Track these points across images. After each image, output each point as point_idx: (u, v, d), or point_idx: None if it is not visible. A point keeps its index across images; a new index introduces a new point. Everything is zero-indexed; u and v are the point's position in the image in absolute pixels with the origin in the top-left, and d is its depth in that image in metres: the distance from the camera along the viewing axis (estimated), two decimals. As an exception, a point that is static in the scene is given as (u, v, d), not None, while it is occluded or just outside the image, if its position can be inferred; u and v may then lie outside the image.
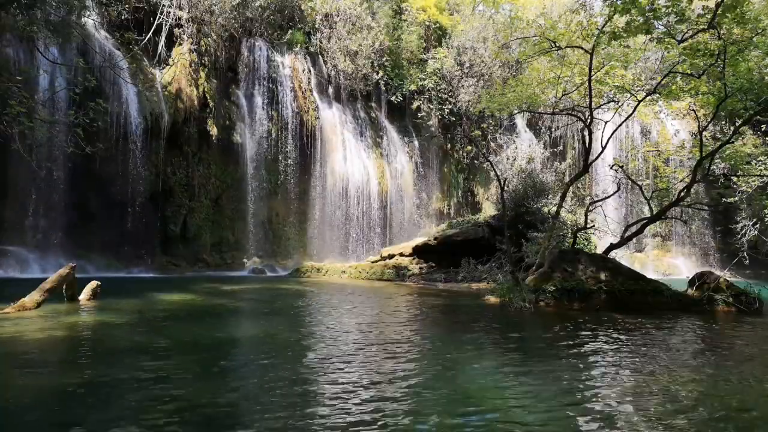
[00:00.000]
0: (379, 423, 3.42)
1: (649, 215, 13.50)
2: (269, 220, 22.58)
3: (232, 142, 21.49)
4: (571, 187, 15.66)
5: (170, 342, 6.03)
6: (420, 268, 17.55)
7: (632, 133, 27.09)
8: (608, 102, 13.86)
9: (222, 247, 21.33)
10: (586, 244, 17.19)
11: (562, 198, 13.39)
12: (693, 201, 15.75)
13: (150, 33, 19.72)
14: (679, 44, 10.55)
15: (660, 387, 4.43)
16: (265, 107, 22.35)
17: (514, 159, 22.83)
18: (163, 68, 20.15)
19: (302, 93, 23.24)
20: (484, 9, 28.37)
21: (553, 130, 28.38)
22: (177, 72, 20.08)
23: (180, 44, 20.47)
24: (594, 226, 14.50)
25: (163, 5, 19.82)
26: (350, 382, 4.42)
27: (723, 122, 20.10)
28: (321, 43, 24.52)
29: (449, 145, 28.01)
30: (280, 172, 22.52)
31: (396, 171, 25.82)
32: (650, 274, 14.81)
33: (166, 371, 4.64)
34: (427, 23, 27.67)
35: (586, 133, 13.14)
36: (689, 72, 11.22)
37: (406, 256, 18.56)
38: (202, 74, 20.90)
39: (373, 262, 18.91)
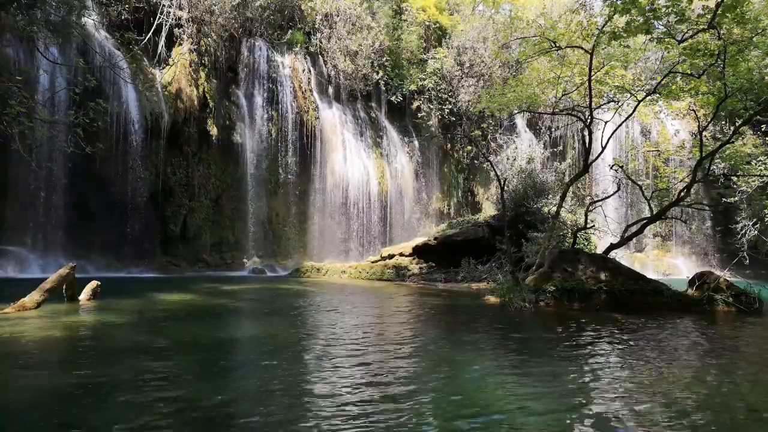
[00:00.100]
0: (380, 423, 3.42)
1: (649, 215, 13.49)
2: (269, 220, 22.58)
3: (232, 142, 21.49)
4: (571, 187, 15.66)
5: (170, 342, 6.03)
6: (420, 268, 17.55)
7: (632, 133, 27.08)
8: (608, 102, 13.86)
9: (222, 247, 21.33)
10: (586, 244, 17.19)
11: (562, 198, 13.39)
12: (693, 201, 15.75)
13: (150, 33, 19.72)
14: (679, 44, 10.55)
15: (662, 388, 4.42)
16: (265, 107, 22.36)
17: (514, 159, 22.84)
18: (163, 68, 20.15)
19: (302, 93, 23.24)
20: (484, 9, 28.41)
21: (553, 130, 28.39)
22: (177, 72, 20.08)
23: (180, 44, 20.47)
24: (594, 226, 14.50)
25: (163, 5, 19.82)
26: (350, 382, 4.41)
27: (723, 122, 20.10)
28: (321, 43, 24.52)
29: (449, 145, 28.01)
30: (280, 172, 22.52)
31: (396, 171, 25.82)
32: (650, 274, 14.80)
33: (166, 371, 4.64)
34: (427, 23, 27.67)
35: (586, 133, 13.15)
36: (689, 72, 11.22)
37: (406, 256, 18.57)
38: (202, 74, 20.90)
39: (373, 262, 18.91)
